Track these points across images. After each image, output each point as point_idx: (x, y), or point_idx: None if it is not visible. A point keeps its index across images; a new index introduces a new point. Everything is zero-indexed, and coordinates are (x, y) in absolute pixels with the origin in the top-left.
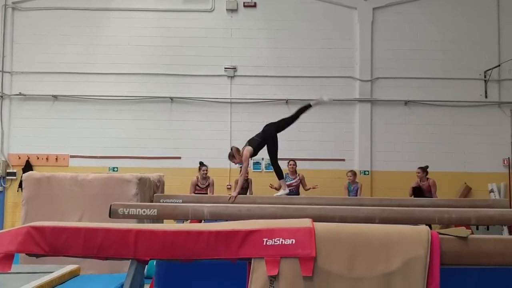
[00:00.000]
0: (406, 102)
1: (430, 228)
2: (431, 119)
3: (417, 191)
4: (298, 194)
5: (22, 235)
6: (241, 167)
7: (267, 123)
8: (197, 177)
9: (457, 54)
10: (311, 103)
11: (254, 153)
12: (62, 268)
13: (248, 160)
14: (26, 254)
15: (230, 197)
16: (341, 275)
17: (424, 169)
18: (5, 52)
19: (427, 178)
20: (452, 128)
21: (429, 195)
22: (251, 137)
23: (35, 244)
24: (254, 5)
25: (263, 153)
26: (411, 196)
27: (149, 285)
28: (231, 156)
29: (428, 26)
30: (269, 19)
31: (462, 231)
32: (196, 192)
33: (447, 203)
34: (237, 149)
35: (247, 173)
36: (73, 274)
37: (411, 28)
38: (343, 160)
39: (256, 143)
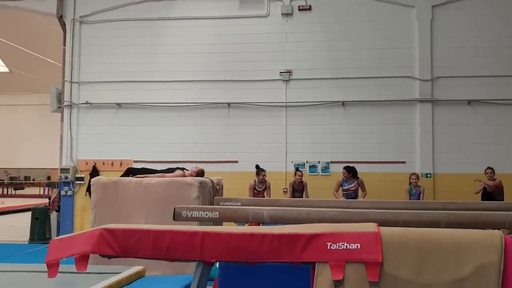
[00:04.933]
0: (469, 102)
1: None
2: (497, 118)
3: (486, 194)
4: (356, 198)
5: (96, 237)
6: None
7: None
8: (255, 181)
9: None
10: None
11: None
12: (128, 269)
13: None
14: (100, 255)
15: None
16: (409, 280)
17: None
18: (73, 64)
19: (495, 179)
20: None
21: (499, 197)
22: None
23: (107, 245)
24: (309, 8)
25: (319, 156)
26: (478, 193)
27: (211, 286)
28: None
29: (493, 21)
30: (325, 21)
31: None
32: (254, 195)
33: None
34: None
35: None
36: (139, 275)
37: (473, 24)
38: (404, 162)
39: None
